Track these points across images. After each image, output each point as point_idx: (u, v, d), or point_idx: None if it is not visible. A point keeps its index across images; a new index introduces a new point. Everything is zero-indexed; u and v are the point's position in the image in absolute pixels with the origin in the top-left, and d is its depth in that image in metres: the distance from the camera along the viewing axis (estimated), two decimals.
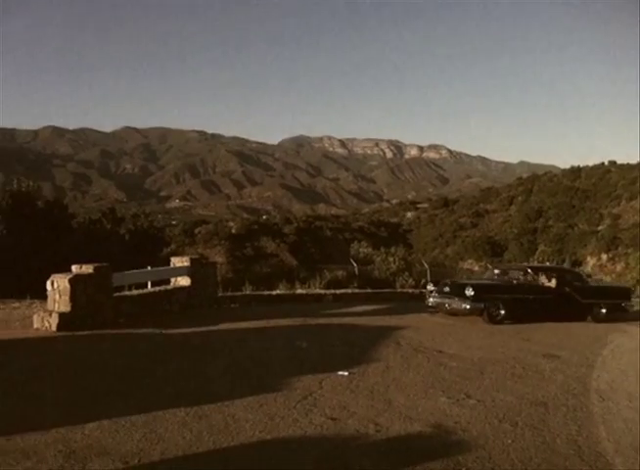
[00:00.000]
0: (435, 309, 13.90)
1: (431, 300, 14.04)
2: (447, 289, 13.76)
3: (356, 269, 19.44)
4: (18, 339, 9.03)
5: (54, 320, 9.67)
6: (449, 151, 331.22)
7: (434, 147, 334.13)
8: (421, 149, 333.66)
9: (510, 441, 5.15)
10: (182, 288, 13.12)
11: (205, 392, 6.29)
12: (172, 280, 13.51)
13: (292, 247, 53.87)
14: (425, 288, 16.74)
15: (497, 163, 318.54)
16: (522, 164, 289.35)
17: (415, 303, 15.83)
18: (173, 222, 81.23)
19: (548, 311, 13.76)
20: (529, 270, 14.76)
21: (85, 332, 9.58)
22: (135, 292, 12.35)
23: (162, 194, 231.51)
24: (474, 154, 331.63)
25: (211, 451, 4.66)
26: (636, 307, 15.69)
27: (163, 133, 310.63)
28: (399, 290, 18.62)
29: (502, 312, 13.07)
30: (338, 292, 16.48)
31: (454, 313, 13.37)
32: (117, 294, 11.46)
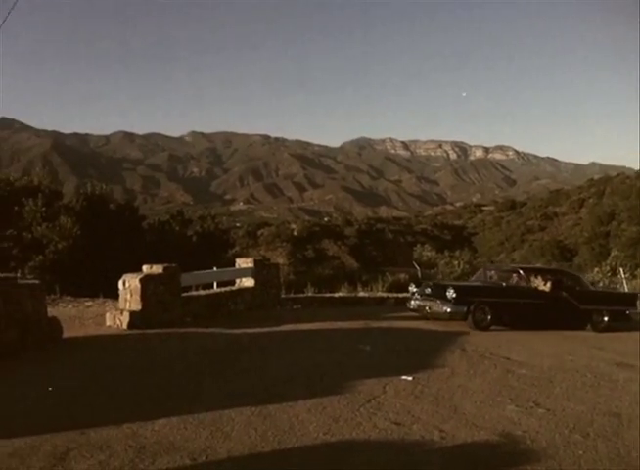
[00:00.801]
0: (419, 314, 12.71)
1: (412, 302, 12.90)
2: (429, 290, 12.65)
3: (419, 272, 19.23)
4: (91, 336, 9.43)
5: (125, 318, 10.04)
6: (516, 152, 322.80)
7: (501, 148, 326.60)
8: (486, 150, 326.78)
9: (581, 452, 4.95)
10: (246, 289, 13.35)
11: (269, 392, 6.37)
12: (237, 281, 13.77)
13: (353, 249, 53.88)
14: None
15: (567, 164, 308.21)
16: (593, 165, 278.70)
17: None
18: (237, 225, 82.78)
19: (541, 317, 12.58)
20: (521, 272, 13.35)
21: (155, 330, 9.89)
22: (202, 292, 12.67)
23: (227, 197, 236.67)
24: (542, 155, 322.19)
25: (276, 451, 4.70)
26: None
27: (229, 137, 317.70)
28: None
29: (488, 317, 11.86)
30: (400, 295, 16.34)
31: (435, 318, 12.21)
32: (185, 294, 11.77)
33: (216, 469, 4.33)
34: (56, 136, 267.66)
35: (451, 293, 11.88)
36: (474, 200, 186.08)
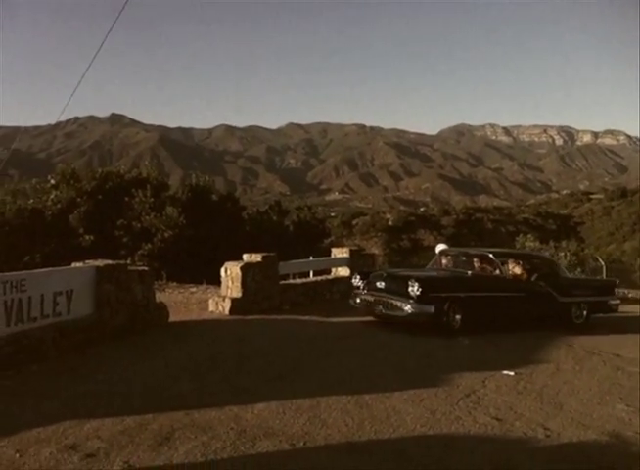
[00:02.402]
0: (371, 313, 10.11)
1: (357, 299, 10.27)
2: (382, 284, 9.90)
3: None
4: (196, 320, 9.85)
5: (227, 304, 10.42)
6: (628, 136, 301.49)
7: (611, 132, 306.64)
8: (595, 135, 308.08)
9: None
10: (342, 278, 13.41)
11: (365, 381, 6.36)
12: (333, 270, 13.88)
13: (450, 239, 52.70)
14: None
15: None
16: None
17: None
18: (332, 214, 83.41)
19: (518, 314, 10.34)
20: (492, 256, 10.54)
21: (254, 316, 10.19)
22: (299, 281, 12.89)
23: (323, 187, 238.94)
24: None
25: (373, 441, 4.69)
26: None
27: (324, 128, 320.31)
28: None
29: (458, 318, 9.30)
30: None
31: (389, 320, 9.65)
32: (283, 282, 12.02)
33: (314, 455, 4.38)
34: (162, 130, 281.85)
35: (415, 288, 9.13)
36: (581, 187, 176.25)
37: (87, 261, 8.26)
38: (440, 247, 12.87)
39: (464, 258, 11.17)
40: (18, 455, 4.16)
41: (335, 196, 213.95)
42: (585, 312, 10.96)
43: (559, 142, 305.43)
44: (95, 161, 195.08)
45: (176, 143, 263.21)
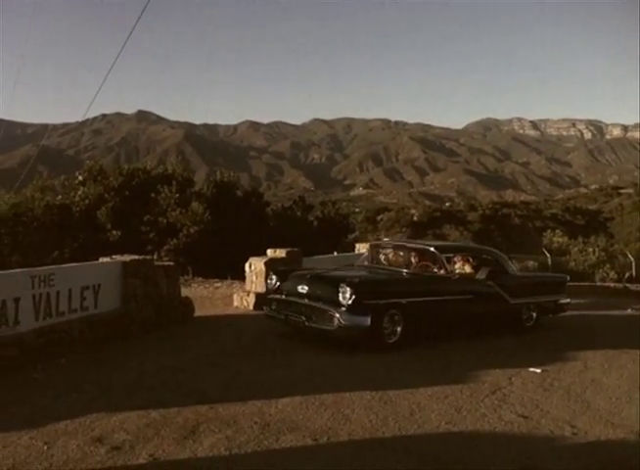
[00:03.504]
0: (289, 324, 8.04)
1: (272, 306, 8.28)
2: (304, 287, 7.88)
3: (549, 260, 18.21)
4: (220, 315, 9.93)
5: (251, 299, 10.47)
6: None
7: None
8: (625, 128, 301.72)
9: None
10: None
11: (389, 378, 6.33)
12: None
13: (476, 235, 52.16)
14: (627, 282, 14.80)
15: None
16: None
17: (617, 298, 14.35)
18: (357, 210, 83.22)
19: (464, 321, 8.59)
20: (434, 250, 8.81)
21: None
22: None
23: (347, 182, 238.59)
24: None
25: (397, 437, 4.67)
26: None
27: (349, 123, 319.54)
28: (599, 284, 17.04)
29: (398, 330, 7.61)
30: None
31: (315, 335, 7.67)
32: None
33: (338, 451, 4.38)
34: (188, 127, 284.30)
35: (347, 294, 7.29)
36: (610, 182, 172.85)
37: (114, 256, 8.37)
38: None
39: (401, 253, 9.37)
40: (46, 447, 4.24)
41: (359, 191, 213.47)
42: (535, 314, 9.52)
43: (587, 136, 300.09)
44: (122, 157, 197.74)
45: (202, 139, 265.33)
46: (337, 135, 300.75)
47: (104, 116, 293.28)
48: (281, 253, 11.14)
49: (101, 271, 7.72)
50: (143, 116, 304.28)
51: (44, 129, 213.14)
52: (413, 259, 9.01)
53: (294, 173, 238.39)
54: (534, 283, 10.33)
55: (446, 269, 8.55)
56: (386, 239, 11.38)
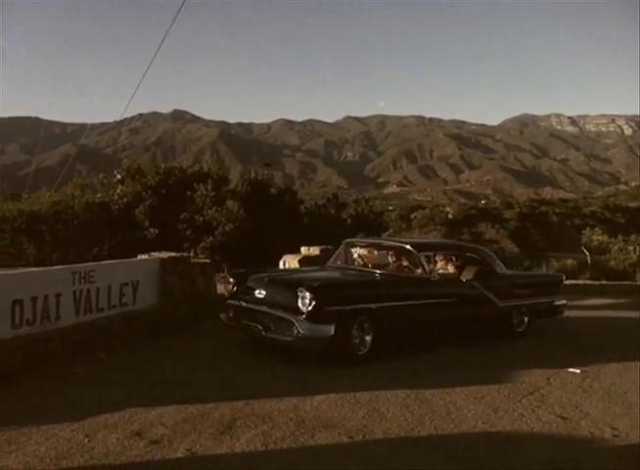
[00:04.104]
0: (247, 333, 7.23)
1: (230, 313, 7.40)
2: (262, 292, 7.05)
3: (589, 258, 17.80)
4: None
5: None
6: None
7: None
8: None
9: None
10: None
11: (423, 377, 6.28)
12: None
13: (513, 233, 51.34)
14: None
15: None
16: None
17: None
18: (390, 208, 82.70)
19: (446, 328, 7.77)
20: (410, 248, 7.84)
21: None
22: None
23: (381, 180, 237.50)
24: None
25: (433, 436, 4.63)
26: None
27: (382, 120, 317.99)
28: None
29: (368, 339, 6.74)
30: (566, 282, 15.24)
31: (274, 345, 6.79)
32: None
33: (373, 448, 4.37)
34: (223, 126, 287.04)
35: (306, 299, 6.41)
36: None
37: (152, 254, 8.53)
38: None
39: (376, 252, 8.54)
40: (87, 440, 4.34)
41: (393, 189, 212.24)
42: (527, 318, 8.64)
43: (628, 132, 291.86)
44: (158, 156, 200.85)
45: (236, 138, 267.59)
46: (370, 132, 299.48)
47: (141, 115, 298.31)
48: (315, 250, 11.18)
49: (139, 268, 7.85)
50: (179, 115, 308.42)
51: (83, 129, 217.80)
52: (390, 259, 8.24)
53: (327, 171, 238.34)
54: (526, 284, 9.22)
55: (425, 270, 7.55)
56: (361, 238, 10.04)
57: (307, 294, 6.40)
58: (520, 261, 20.16)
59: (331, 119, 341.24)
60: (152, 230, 16.27)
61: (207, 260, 9.77)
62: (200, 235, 16.51)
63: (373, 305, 6.78)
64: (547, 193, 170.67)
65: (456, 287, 7.84)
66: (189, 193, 17.41)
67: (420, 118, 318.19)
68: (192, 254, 13.22)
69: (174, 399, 5.22)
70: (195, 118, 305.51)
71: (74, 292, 6.58)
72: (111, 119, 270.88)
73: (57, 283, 6.42)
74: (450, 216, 61.46)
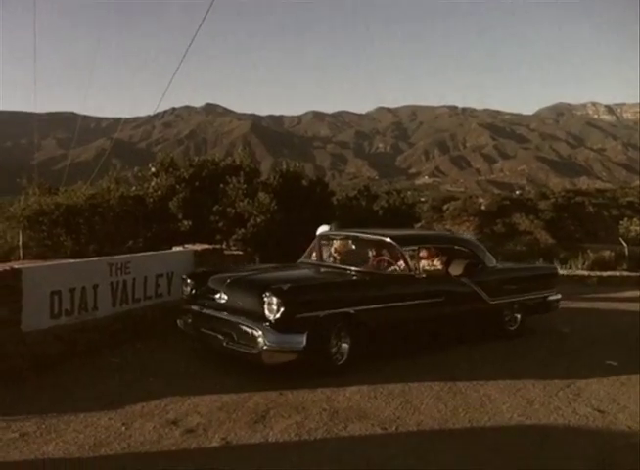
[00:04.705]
0: (207, 344, 6.33)
1: (188, 319, 6.45)
2: (223, 295, 6.13)
3: (626, 250, 17.39)
4: None
5: None
6: None
7: None
8: None
9: None
10: None
11: (457, 369, 6.23)
12: None
13: (548, 224, 50.47)
14: None
15: None
16: None
17: None
18: (422, 199, 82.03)
19: (433, 330, 6.97)
20: (391, 241, 6.99)
21: None
22: None
23: (412, 171, 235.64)
24: None
25: (467, 429, 4.60)
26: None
27: (414, 110, 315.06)
28: None
29: (345, 347, 5.97)
30: (604, 274, 14.94)
31: (236, 357, 5.89)
32: None
33: (406, 440, 4.36)
34: (254, 118, 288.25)
35: (273, 305, 5.56)
36: None
37: (186, 245, 8.63)
38: (323, 229, 9.03)
39: (354, 247, 7.63)
40: (124, 428, 4.44)
41: (425, 180, 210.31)
42: (519, 316, 7.92)
43: None
44: (191, 149, 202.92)
45: (267, 130, 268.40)
46: (402, 123, 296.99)
47: (174, 109, 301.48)
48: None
49: (174, 260, 7.96)
50: (211, 108, 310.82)
51: (117, 123, 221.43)
52: (369, 254, 7.36)
53: (358, 163, 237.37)
54: (518, 278, 8.32)
55: (408, 266, 6.71)
56: (337, 230, 8.60)
57: (275, 299, 5.52)
58: (555, 253, 19.82)
59: (362, 110, 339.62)
60: (185, 222, 16.43)
61: (240, 252, 9.84)
62: (232, 227, 16.61)
63: (351, 310, 5.95)
64: (583, 183, 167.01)
65: (444, 284, 7.05)
66: (221, 185, 17.53)
67: (452, 108, 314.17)
68: (224, 245, 13.32)
69: (209, 388, 5.30)
70: (227, 112, 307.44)
71: (111, 283, 6.71)
72: (144, 114, 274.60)
73: (94, 274, 6.55)
74: (483, 207, 60.65)
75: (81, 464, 3.87)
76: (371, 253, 7.41)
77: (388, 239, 7.05)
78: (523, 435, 4.54)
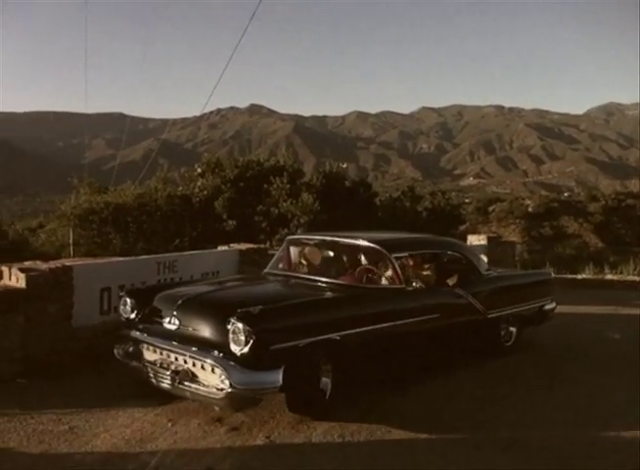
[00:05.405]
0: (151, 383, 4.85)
1: (129, 348, 5.09)
2: (173, 321, 4.85)
3: None
4: None
5: None
6: None
7: None
8: None
9: None
10: None
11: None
12: None
13: (597, 227, 48.97)
14: None
15: None
16: None
17: None
18: (467, 200, 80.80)
19: (429, 353, 5.93)
20: (379, 248, 5.82)
21: None
22: None
23: (457, 172, 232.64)
24: None
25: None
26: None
27: (460, 110, 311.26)
28: None
29: (326, 382, 4.84)
30: None
31: (193, 398, 4.69)
32: None
33: (451, 447, 4.29)
34: (297, 119, 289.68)
35: (241, 334, 4.34)
36: None
37: (231, 245, 8.73)
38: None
39: (332, 254, 6.36)
40: (170, 424, 4.52)
41: (469, 181, 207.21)
42: (515, 329, 7.01)
43: None
44: (236, 150, 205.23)
45: (310, 131, 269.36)
46: (446, 123, 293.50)
47: (219, 110, 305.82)
48: None
49: (219, 258, 8.06)
50: (255, 109, 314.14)
51: (164, 124, 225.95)
52: (351, 263, 6.11)
53: (401, 163, 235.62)
54: (513, 286, 7.24)
55: (399, 277, 5.57)
56: (307, 234, 7.82)
57: (242, 326, 4.29)
58: (605, 257, 19.23)
59: (406, 111, 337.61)
60: (230, 222, 16.67)
61: None
62: (275, 227, 16.76)
63: (336, 335, 4.78)
64: (634, 185, 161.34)
65: (438, 297, 6.03)
66: (265, 186, 17.69)
67: (499, 108, 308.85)
68: (268, 245, 13.45)
69: None
70: (270, 112, 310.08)
71: (159, 281, 6.84)
72: (190, 115, 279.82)
73: (143, 272, 6.70)
74: (530, 209, 59.27)
75: (127, 458, 3.96)
76: (353, 261, 6.08)
77: (374, 244, 5.85)
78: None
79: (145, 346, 4.90)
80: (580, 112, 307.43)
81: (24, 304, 5.56)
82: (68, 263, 6.37)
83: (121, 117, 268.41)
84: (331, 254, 6.36)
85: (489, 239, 13.26)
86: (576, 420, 4.88)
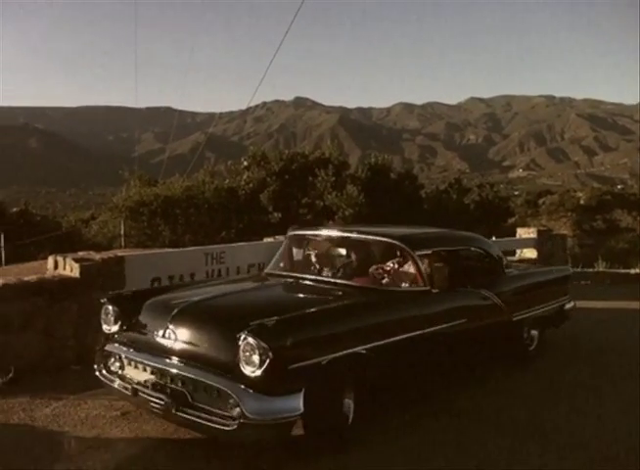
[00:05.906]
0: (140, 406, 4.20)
1: (112, 367, 4.24)
2: (168, 334, 3.94)
3: None
4: None
5: None
6: None
7: None
8: None
9: None
10: (528, 260, 12.67)
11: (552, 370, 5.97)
12: (517, 252, 13.20)
13: None
14: None
15: None
16: None
17: None
18: (516, 193, 79.17)
19: (455, 362, 5.18)
20: (402, 245, 4.92)
21: None
22: None
23: (506, 163, 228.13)
24: None
25: None
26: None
27: (508, 101, 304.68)
28: None
29: (349, 403, 3.96)
30: None
31: (193, 428, 3.84)
32: None
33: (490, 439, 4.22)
34: (342, 111, 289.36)
35: (255, 353, 3.47)
36: None
37: (277, 237, 8.78)
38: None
39: (342, 252, 5.45)
40: None
41: (519, 173, 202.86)
42: (536, 332, 6.28)
43: None
44: (281, 143, 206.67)
45: (355, 123, 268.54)
46: (495, 114, 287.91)
47: (264, 103, 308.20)
48: None
49: (265, 250, 8.09)
50: (300, 102, 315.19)
51: (211, 118, 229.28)
52: (363, 262, 5.21)
53: (448, 155, 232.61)
54: (535, 284, 6.46)
55: (423, 278, 4.77)
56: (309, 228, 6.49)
57: (256, 343, 3.49)
58: None
59: (453, 101, 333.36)
60: (275, 214, 16.82)
61: None
62: (320, 220, 16.80)
63: (361, 349, 4.00)
64: None
65: (464, 300, 5.24)
66: (310, 178, 17.75)
67: (550, 98, 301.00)
68: None
69: None
70: (315, 105, 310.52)
71: (207, 272, 6.94)
72: (236, 108, 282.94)
73: (192, 263, 6.79)
74: (582, 202, 57.57)
75: (178, 443, 4.04)
76: (368, 260, 5.19)
77: (394, 241, 5.09)
78: None
79: (132, 364, 4.09)
80: (634, 101, 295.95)
81: (78, 292, 5.72)
82: (119, 254, 6.52)
83: (169, 110, 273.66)
84: (342, 251, 5.46)
85: (540, 232, 12.94)
86: None
